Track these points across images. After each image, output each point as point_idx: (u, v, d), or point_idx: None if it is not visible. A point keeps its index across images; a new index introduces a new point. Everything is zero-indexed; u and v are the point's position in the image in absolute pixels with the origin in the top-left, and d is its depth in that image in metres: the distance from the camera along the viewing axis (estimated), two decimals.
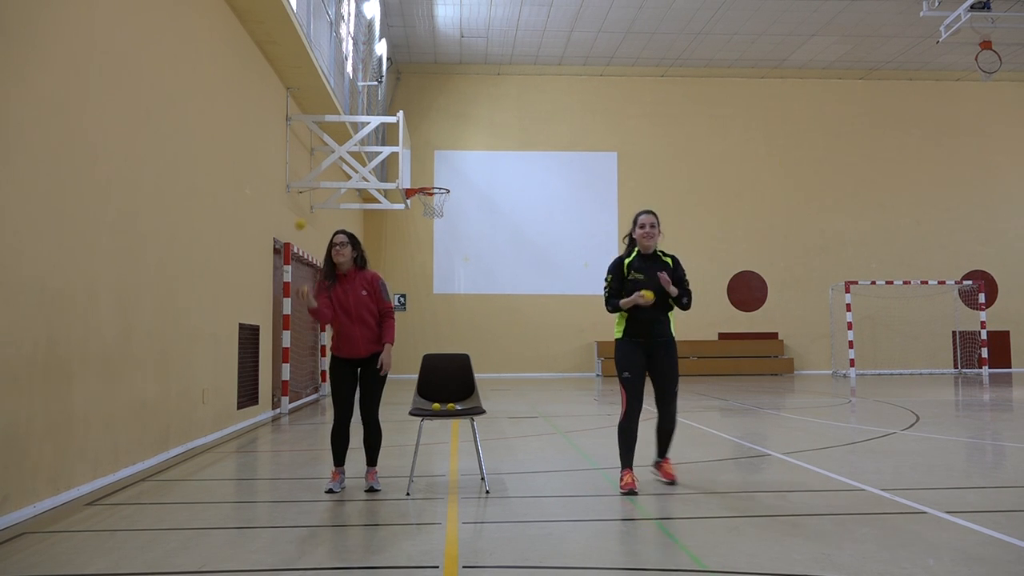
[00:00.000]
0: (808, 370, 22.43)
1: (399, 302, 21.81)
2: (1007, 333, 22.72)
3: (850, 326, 20.71)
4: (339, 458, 5.45)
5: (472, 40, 20.69)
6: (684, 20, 19.43)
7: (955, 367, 22.17)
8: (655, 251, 5.50)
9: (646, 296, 5.19)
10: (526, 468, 6.32)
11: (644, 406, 5.39)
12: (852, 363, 20.62)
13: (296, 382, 12.22)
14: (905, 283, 21.49)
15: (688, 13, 19.04)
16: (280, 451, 8.02)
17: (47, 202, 5.00)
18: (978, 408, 11.65)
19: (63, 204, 5.19)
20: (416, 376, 6.03)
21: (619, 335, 5.45)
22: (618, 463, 5.40)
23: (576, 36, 20.39)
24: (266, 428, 9.59)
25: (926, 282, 21.60)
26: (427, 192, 16.26)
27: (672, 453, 5.59)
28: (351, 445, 5.49)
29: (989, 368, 21.17)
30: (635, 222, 5.48)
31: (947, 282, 21.83)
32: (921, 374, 21.59)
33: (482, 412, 5.65)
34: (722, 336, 22.46)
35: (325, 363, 14.41)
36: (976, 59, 16.29)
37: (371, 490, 5.33)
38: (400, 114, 13.12)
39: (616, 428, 5.43)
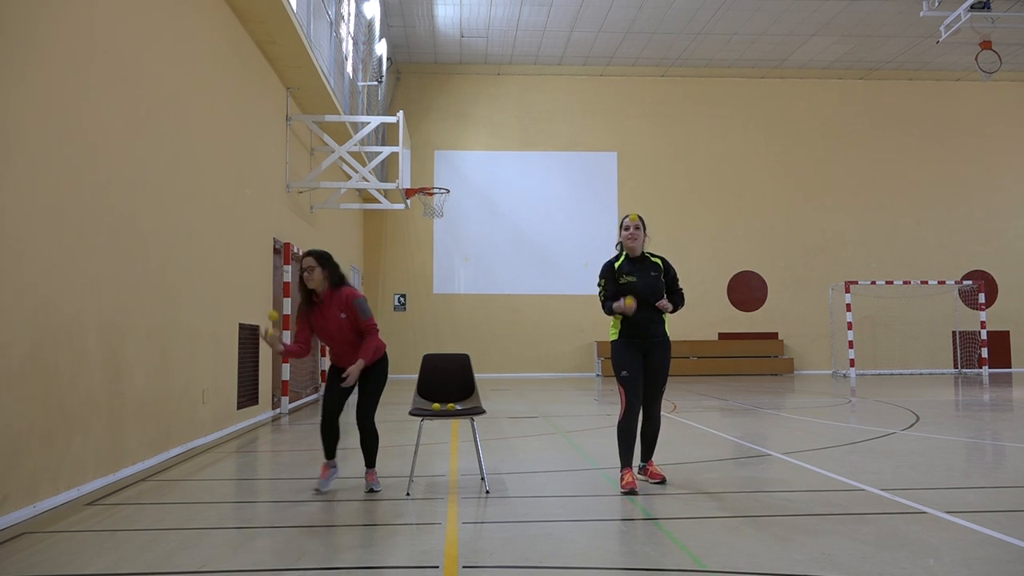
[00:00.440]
0: (808, 370, 22.43)
1: (399, 302, 21.83)
2: (1007, 333, 22.72)
3: (850, 326, 20.71)
4: (327, 451, 5.46)
5: (472, 40, 20.69)
6: (684, 20, 19.43)
7: (955, 367, 22.17)
8: (643, 253, 5.59)
9: (627, 304, 5.27)
10: (526, 468, 6.32)
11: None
12: (852, 363, 20.62)
13: (296, 382, 12.22)
14: (905, 283, 21.49)
15: (688, 13, 19.04)
16: (280, 451, 8.02)
17: (47, 202, 5.00)
18: (978, 408, 11.65)
19: (63, 204, 5.19)
20: (416, 376, 6.03)
21: (615, 336, 5.52)
22: (618, 463, 5.42)
23: (576, 36, 20.39)
24: (266, 428, 9.59)
25: (926, 282, 21.60)
26: (427, 192, 16.26)
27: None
28: (351, 446, 5.48)
29: (989, 368, 21.17)
30: (621, 225, 5.62)
31: (947, 282, 21.83)
32: (921, 374, 21.59)
33: (482, 412, 5.65)
34: (722, 336, 22.46)
35: (325, 363, 14.41)
36: (976, 59, 16.29)
37: (371, 491, 5.34)
38: (400, 114, 13.12)
39: (616, 428, 5.45)
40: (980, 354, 21.24)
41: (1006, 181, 23.25)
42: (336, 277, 5.38)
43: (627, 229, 5.54)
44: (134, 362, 6.25)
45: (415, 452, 5.66)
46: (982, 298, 21.42)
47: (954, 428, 9.03)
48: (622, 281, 5.46)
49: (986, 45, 16.11)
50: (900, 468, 6.19)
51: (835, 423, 9.54)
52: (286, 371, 11.36)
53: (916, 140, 23.21)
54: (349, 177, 14.53)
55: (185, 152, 7.59)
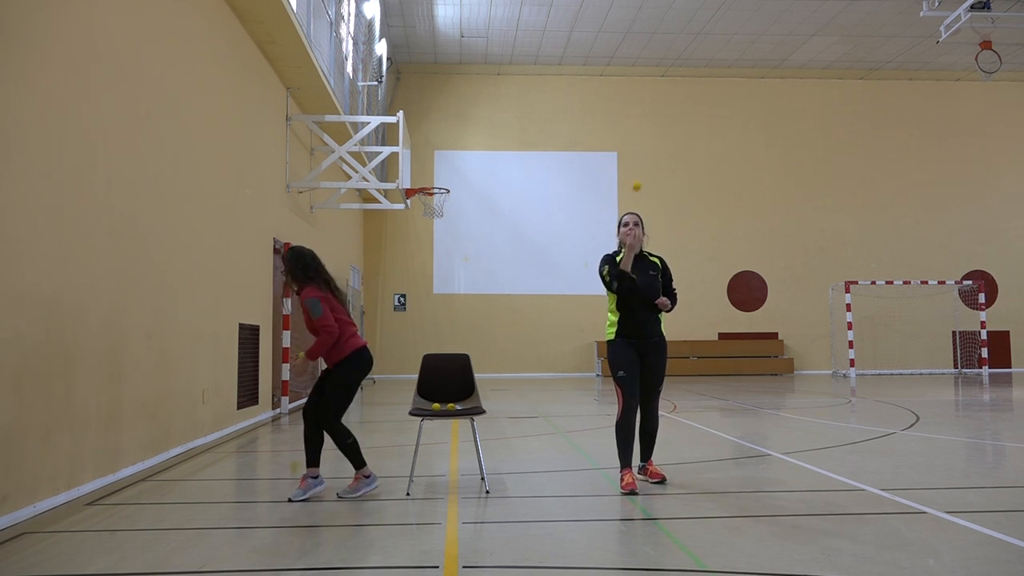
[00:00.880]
0: (808, 370, 22.43)
1: (399, 302, 21.83)
2: (1007, 333, 22.72)
3: (850, 326, 20.71)
4: (308, 458, 5.24)
5: (472, 40, 20.69)
6: (684, 20, 19.44)
7: (955, 367, 22.17)
8: (642, 251, 5.61)
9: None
10: (526, 468, 6.32)
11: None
12: (852, 363, 20.62)
13: (296, 382, 12.21)
14: (905, 283, 21.49)
15: (688, 13, 19.05)
16: (280, 451, 8.02)
17: (47, 202, 5.00)
18: (978, 408, 11.65)
19: (63, 204, 5.19)
20: (416, 376, 6.03)
21: (612, 336, 5.52)
22: (618, 463, 5.42)
23: (576, 36, 20.39)
24: (266, 428, 9.59)
25: (926, 282, 21.60)
26: (427, 192, 16.26)
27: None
28: (362, 445, 5.42)
29: (989, 368, 21.17)
30: (620, 222, 5.64)
31: (947, 282, 21.83)
32: (921, 374, 21.59)
33: (482, 412, 5.64)
34: (722, 336, 22.46)
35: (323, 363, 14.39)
36: (976, 59, 16.29)
37: (353, 494, 5.13)
38: (400, 114, 13.12)
39: (613, 428, 5.46)
40: (980, 354, 21.24)
41: (1006, 181, 23.25)
42: (297, 276, 5.30)
43: (626, 225, 5.56)
44: (134, 362, 6.25)
45: (415, 452, 5.65)
46: (982, 298, 21.43)
47: (954, 428, 9.03)
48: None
49: (986, 45, 16.11)
50: (900, 468, 6.19)
51: (835, 423, 9.54)
52: (286, 371, 11.36)
53: (916, 140, 23.21)
54: (349, 177, 14.53)
55: (185, 152, 7.59)
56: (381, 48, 18.80)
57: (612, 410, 11.56)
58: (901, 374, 21.48)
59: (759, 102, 23.10)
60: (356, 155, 15.28)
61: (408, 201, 14.47)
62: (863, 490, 5.24)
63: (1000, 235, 23.08)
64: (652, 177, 22.51)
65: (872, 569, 3.52)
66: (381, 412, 11.80)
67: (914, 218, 23.05)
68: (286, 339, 11.42)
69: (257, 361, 10.21)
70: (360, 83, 16.90)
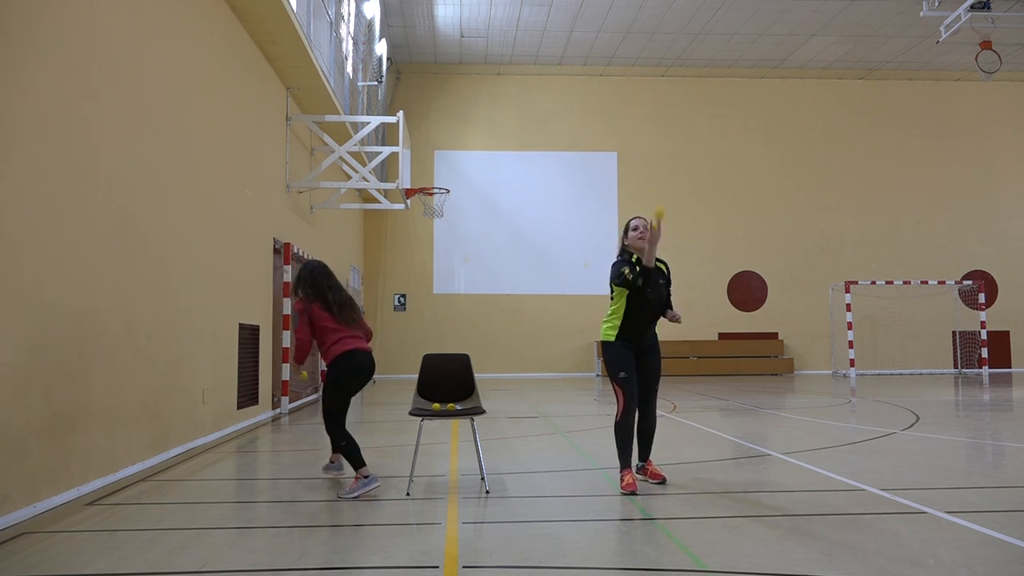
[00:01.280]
0: (808, 370, 22.43)
1: (399, 302, 21.85)
2: (1007, 333, 22.72)
3: (850, 326, 20.71)
4: (351, 461, 5.35)
5: (472, 40, 20.70)
6: (684, 20, 19.44)
7: (955, 367, 22.17)
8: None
9: (658, 213, 5.03)
10: (526, 468, 6.32)
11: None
12: (852, 363, 20.62)
13: (296, 382, 12.22)
14: (905, 283, 21.50)
15: (688, 13, 19.05)
16: (280, 451, 8.02)
17: (47, 202, 5.00)
18: (978, 408, 11.65)
19: (63, 204, 5.19)
20: (416, 376, 6.03)
21: (611, 338, 5.45)
22: (617, 463, 5.42)
23: (576, 36, 20.39)
24: (266, 428, 9.59)
25: (926, 282, 21.60)
26: (427, 192, 16.26)
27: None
28: (362, 444, 5.46)
29: (989, 368, 21.17)
30: (627, 227, 5.52)
31: (947, 282, 21.84)
32: (921, 374, 21.59)
33: (482, 412, 5.64)
34: (722, 336, 22.46)
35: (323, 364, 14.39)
36: (976, 59, 16.29)
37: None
38: (400, 114, 13.12)
39: (613, 428, 5.44)
40: (980, 354, 21.24)
41: (1006, 181, 23.25)
42: (294, 288, 5.73)
43: (635, 230, 5.43)
44: (134, 362, 6.25)
45: (415, 452, 5.65)
46: (982, 298, 21.43)
47: (954, 428, 9.03)
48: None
49: (986, 45, 16.11)
50: (900, 468, 6.19)
51: (835, 423, 9.54)
52: (286, 371, 11.36)
53: (916, 140, 23.21)
54: (349, 177, 14.52)
55: (185, 152, 7.59)
56: (381, 48, 18.80)
57: (612, 410, 11.56)
58: (901, 374, 21.48)
59: (759, 102, 23.10)
60: (356, 155, 15.28)
61: (408, 201, 14.47)
62: (863, 490, 5.24)
63: (1000, 235, 23.08)
64: (652, 177, 22.51)
65: (872, 569, 3.52)
66: (381, 412, 11.80)
67: (914, 218, 23.05)
68: (286, 339, 11.42)
69: (257, 361, 10.21)
70: (360, 83, 16.90)
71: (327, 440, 6.16)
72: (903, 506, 4.75)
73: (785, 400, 13.38)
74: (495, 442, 7.87)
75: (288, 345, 11.43)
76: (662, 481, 5.48)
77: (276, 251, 11.33)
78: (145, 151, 6.58)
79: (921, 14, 16.12)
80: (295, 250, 11.92)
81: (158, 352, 6.77)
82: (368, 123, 13.64)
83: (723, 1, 18.42)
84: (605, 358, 5.49)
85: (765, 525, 4.34)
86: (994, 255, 23.00)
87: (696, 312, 21.76)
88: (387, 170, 19.49)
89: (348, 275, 18.02)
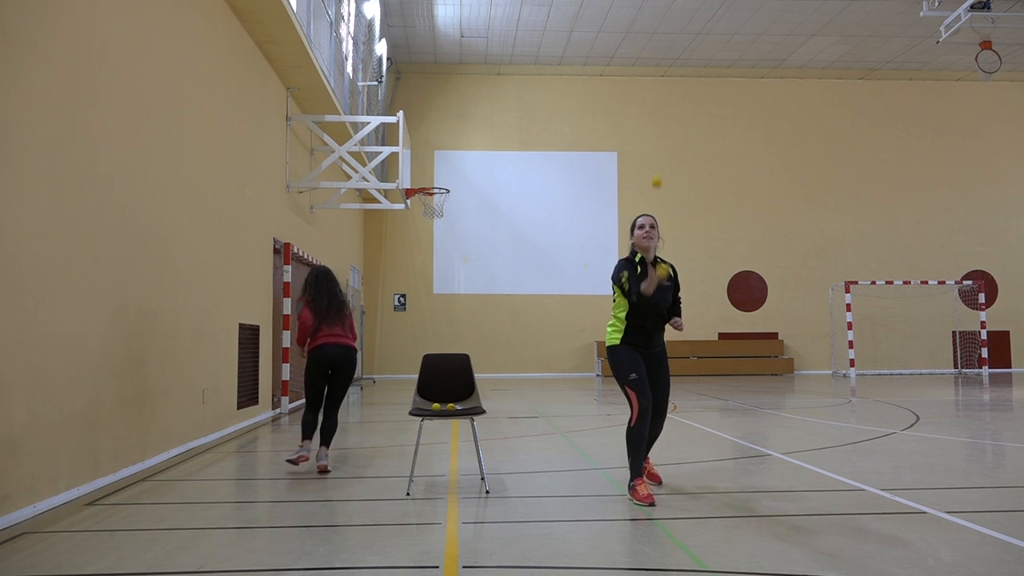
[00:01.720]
0: (808, 370, 22.43)
1: (399, 302, 21.86)
2: (1007, 333, 22.72)
3: (850, 326, 20.71)
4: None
5: (472, 40, 20.70)
6: (684, 20, 19.44)
7: (955, 367, 22.17)
8: (657, 258, 5.23)
9: (660, 273, 4.87)
10: (526, 468, 6.32)
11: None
12: (852, 363, 20.62)
13: (296, 382, 12.21)
14: (905, 283, 21.50)
15: (688, 13, 19.05)
16: (280, 451, 8.01)
17: (47, 202, 4.99)
18: (978, 408, 11.65)
19: (63, 204, 5.19)
20: (416, 376, 6.03)
21: (616, 342, 5.21)
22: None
23: (576, 36, 20.39)
24: (266, 428, 9.59)
25: (926, 282, 21.60)
26: (427, 192, 16.26)
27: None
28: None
29: (989, 368, 21.17)
30: (634, 225, 5.30)
31: (947, 282, 21.84)
32: (921, 374, 21.59)
33: (482, 412, 5.64)
34: (722, 336, 22.47)
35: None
36: (976, 59, 16.30)
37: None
38: (400, 114, 13.12)
39: (625, 434, 5.12)
40: (980, 354, 21.25)
41: (1006, 181, 23.25)
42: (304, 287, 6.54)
43: (641, 228, 5.20)
44: (134, 362, 6.25)
45: (415, 452, 5.65)
46: (982, 298, 21.43)
47: (954, 428, 9.03)
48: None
49: (986, 45, 16.12)
50: (900, 468, 6.19)
51: (835, 423, 9.54)
52: (286, 371, 11.36)
53: (916, 140, 23.21)
54: (349, 177, 14.53)
55: (185, 152, 7.59)
56: (381, 48, 18.80)
57: (612, 410, 11.60)
58: (901, 374, 21.48)
59: (759, 102, 23.10)
60: (356, 155, 15.28)
61: (408, 201, 14.47)
62: (863, 490, 5.24)
63: (1000, 235, 23.09)
64: (652, 177, 22.51)
65: (872, 569, 3.52)
66: (381, 412, 11.80)
67: (914, 218, 23.06)
68: (286, 339, 11.42)
69: (257, 361, 10.21)
70: (360, 83, 16.90)
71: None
72: (903, 506, 4.75)
73: (785, 400, 13.38)
74: (495, 442, 7.87)
75: (288, 345, 11.44)
76: (658, 483, 5.43)
77: (276, 251, 11.32)
78: (145, 151, 6.58)
79: (921, 14, 16.12)
80: (295, 250, 11.92)
81: (158, 352, 6.77)
82: (368, 123, 13.63)
83: (723, 1, 18.42)
84: (612, 362, 5.19)
85: (765, 525, 4.34)
86: (994, 255, 23.00)
87: (696, 312, 21.77)
88: (387, 170, 19.49)
89: (348, 275, 18.02)
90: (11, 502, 4.53)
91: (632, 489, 4.96)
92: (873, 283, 21.48)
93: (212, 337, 8.32)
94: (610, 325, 5.31)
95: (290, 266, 11.57)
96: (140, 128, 6.49)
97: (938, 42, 17.03)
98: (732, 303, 22.67)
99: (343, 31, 15.22)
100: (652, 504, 4.80)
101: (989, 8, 14.93)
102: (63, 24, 5.26)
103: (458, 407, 5.71)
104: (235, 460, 7.17)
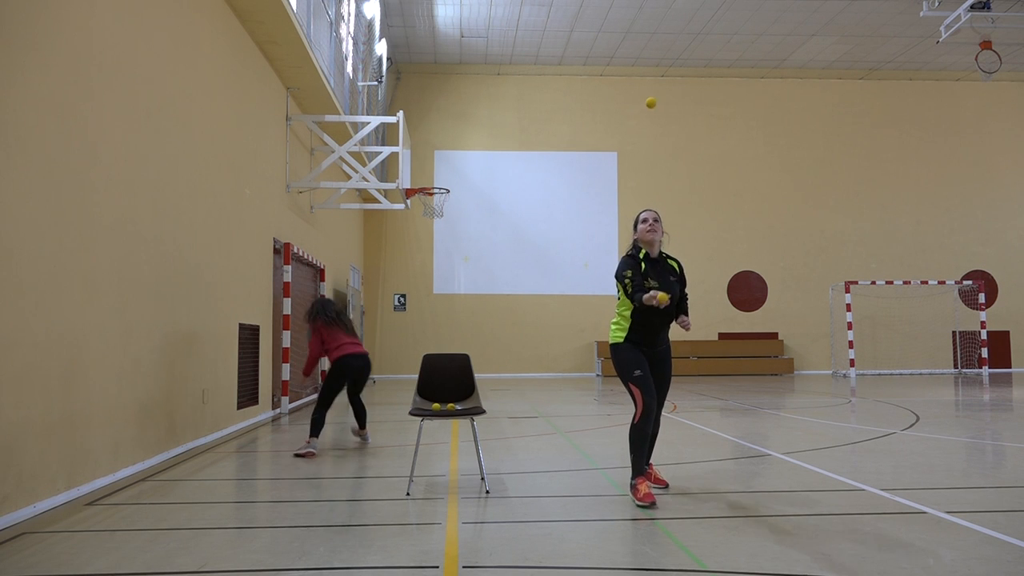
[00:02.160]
0: (808, 370, 22.44)
1: (399, 302, 21.87)
2: (1007, 333, 22.73)
3: (850, 326, 20.72)
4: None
5: (472, 40, 20.70)
6: (684, 20, 19.44)
7: (955, 367, 22.18)
8: (661, 254, 5.21)
9: (661, 300, 4.79)
10: (526, 468, 6.32)
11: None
12: (852, 363, 20.62)
13: (296, 382, 12.22)
14: (905, 283, 21.50)
15: (688, 13, 19.05)
16: (280, 451, 8.01)
17: (46, 202, 4.99)
18: (978, 408, 11.65)
19: (63, 204, 5.19)
20: (416, 376, 6.03)
21: (620, 340, 5.15)
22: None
23: (576, 36, 20.40)
24: (266, 428, 9.59)
25: (926, 282, 21.61)
26: (427, 192, 16.26)
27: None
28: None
29: (989, 368, 21.17)
30: (637, 220, 5.24)
31: (947, 282, 21.84)
32: (921, 374, 21.59)
33: (482, 412, 5.64)
34: (722, 336, 22.47)
35: (325, 363, 14.40)
36: (976, 59, 16.30)
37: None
38: (400, 114, 13.12)
39: (629, 432, 5.07)
40: (980, 354, 21.25)
41: (1006, 181, 23.26)
42: (309, 317, 7.64)
43: (645, 222, 5.13)
44: (134, 362, 6.25)
45: (415, 452, 5.65)
46: (982, 298, 21.43)
47: (954, 428, 9.03)
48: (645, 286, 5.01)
49: (986, 45, 16.12)
50: (900, 468, 6.19)
51: (835, 423, 9.54)
52: (286, 371, 11.36)
53: (916, 140, 23.22)
54: (349, 177, 14.53)
55: (185, 152, 7.59)
56: (381, 48, 18.80)
57: (612, 410, 11.59)
58: (901, 374, 21.48)
59: (759, 102, 23.11)
60: (356, 155, 15.28)
61: (408, 201, 14.47)
62: (863, 490, 5.24)
63: (1000, 235, 23.09)
64: (652, 177, 22.52)
65: (872, 569, 3.52)
66: (381, 412, 11.80)
67: (914, 218, 23.06)
68: (286, 339, 11.42)
69: (257, 361, 10.21)
70: (360, 83, 16.90)
71: (326, 438, 6.74)
72: (903, 506, 4.75)
73: (785, 400, 13.38)
74: (495, 442, 7.87)
75: (288, 345, 11.44)
76: (664, 487, 5.36)
77: (276, 251, 11.32)
78: (145, 151, 6.58)
79: (921, 14, 16.12)
80: (295, 250, 11.92)
81: (158, 351, 6.77)
82: (368, 123, 13.63)
83: (723, 1, 18.43)
84: (615, 360, 5.12)
85: (765, 525, 4.34)
86: (994, 255, 23.00)
87: (696, 312, 21.75)
88: (387, 170, 19.49)
89: (348, 275, 18.02)
90: (11, 502, 4.53)
91: (633, 488, 4.95)
92: (873, 283, 21.48)
93: (212, 337, 8.32)
94: (614, 322, 5.25)
95: (290, 266, 11.57)
96: (140, 128, 6.49)
97: (938, 42, 17.03)
98: (732, 303, 22.67)
99: (343, 31, 15.22)
100: (653, 503, 4.78)
101: (989, 8, 14.93)
102: (63, 24, 5.26)
103: (458, 407, 5.71)
104: (235, 460, 7.17)
